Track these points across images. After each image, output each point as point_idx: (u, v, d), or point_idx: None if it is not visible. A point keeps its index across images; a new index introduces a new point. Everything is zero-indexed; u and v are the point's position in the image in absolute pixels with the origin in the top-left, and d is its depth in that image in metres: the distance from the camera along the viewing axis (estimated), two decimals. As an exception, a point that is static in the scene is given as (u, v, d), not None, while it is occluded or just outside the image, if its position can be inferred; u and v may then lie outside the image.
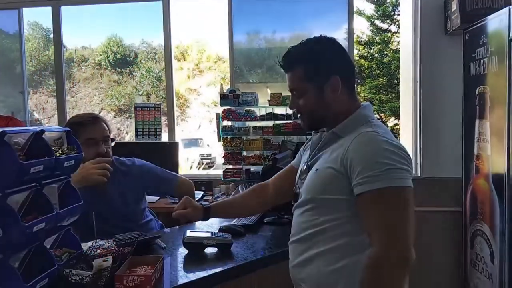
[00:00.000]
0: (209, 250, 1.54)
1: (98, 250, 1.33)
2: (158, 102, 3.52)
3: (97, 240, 1.43)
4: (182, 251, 1.55)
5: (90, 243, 1.40)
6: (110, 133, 1.88)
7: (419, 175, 3.21)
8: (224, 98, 3.11)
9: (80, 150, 1.28)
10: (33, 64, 13.96)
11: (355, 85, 1.27)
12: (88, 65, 15.77)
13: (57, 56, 3.70)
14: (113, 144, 1.92)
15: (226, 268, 1.40)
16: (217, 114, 3.22)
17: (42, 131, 1.15)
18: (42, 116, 14.48)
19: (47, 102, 14.56)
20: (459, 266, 2.97)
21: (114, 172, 1.86)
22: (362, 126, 1.16)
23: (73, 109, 13.67)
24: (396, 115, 7.69)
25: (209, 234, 1.55)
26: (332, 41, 1.24)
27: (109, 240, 1.42)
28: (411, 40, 3.24)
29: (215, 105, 14.59)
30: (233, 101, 3.10)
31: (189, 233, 1.54)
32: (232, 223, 1.78)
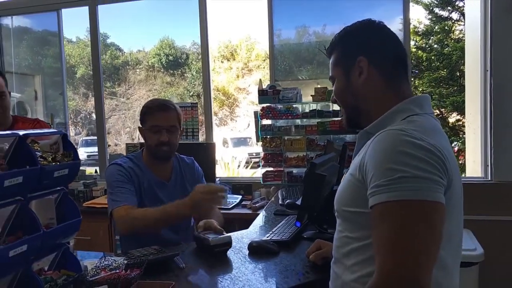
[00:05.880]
0: (236, 274, 1.30)
1: (102, 272, 1.15)
2: (195, 101, 3.34)
3: (107, 257, 1.27)
4: (199, 276, 1.34)
5: (96, 261, 1.24)
6: (180, 123, 1.81)
7: (489, 178, 2.79)
8: (263, 95, 2.86)
9: (77, 156, 1.10)
10: (92, 68, 14.61)
11: (401, 75, 1.01)
12: (142, 67, 16.25)
13: (94, 56, 3.69)
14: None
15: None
16: (255, 113, 2.98)
17: (26, 136, 0.98)
18: (100, 118, 15.11)
19: (104, 104, 15.21)
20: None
21: (179, 164, 1.89)
22: (394, 123, 0.92)
23: (128, 111, 14.14)
24: (459, 110, 6.98)
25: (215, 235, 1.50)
26: (373, 22, 1.05)
27: (116, 260, 1.23)
28: (480, 22, 2.80)
29: (263, 104, 14.41)
30: (272, 98, 2.84)
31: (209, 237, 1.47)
32: (263, 239, 1.53)
